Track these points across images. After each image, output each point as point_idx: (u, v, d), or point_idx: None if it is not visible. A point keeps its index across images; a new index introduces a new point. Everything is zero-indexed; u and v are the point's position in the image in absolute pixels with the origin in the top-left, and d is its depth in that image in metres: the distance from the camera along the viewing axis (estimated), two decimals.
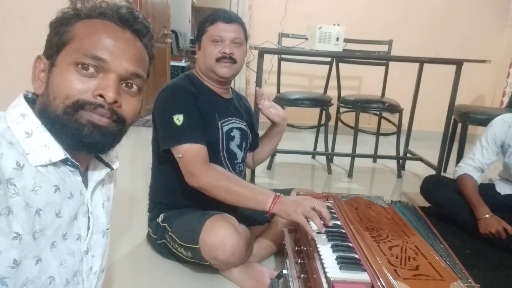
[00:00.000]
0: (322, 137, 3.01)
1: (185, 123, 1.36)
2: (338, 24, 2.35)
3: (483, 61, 2.35)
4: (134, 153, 2.90)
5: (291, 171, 2.87)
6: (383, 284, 0.94)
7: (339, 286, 0.94)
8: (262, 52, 2.27)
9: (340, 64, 3.21)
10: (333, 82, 3.27)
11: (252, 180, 2.43)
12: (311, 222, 1.20)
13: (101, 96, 0.67)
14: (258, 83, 2.34)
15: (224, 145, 1.53)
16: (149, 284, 1.42)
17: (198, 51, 1.53)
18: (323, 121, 3.04)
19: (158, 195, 1.56)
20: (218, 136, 1.50)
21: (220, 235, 1.28)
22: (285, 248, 1.47)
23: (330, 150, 3.02)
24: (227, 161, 1.54)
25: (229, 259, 1.31)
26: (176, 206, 1.51)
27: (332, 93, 3.19)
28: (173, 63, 5.97)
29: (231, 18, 1.47)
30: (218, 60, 1.45)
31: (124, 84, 0.72)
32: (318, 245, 1.14)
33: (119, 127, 0.72)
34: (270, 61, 3.38)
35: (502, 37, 4.03)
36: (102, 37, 0.69)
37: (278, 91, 3.15)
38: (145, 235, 1.66)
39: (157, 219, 1.54)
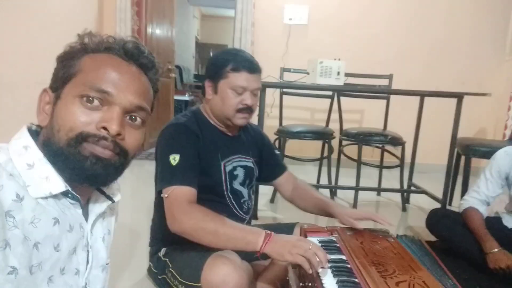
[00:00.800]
0: (325, 169, 3.00)
1: (179, 164, 1.33)
2: (339, 59, 2.40)
3: (484, 94, 2.37)
4: (136, 187, 2.88)
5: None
6: None
7: None
8: (265, 86, 2.31)
9: (342, 98, 3.25)
10: (334, 115, 3.30)
11: (255, 213, 2.40)
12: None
13: (104, 128, 0.68)
14: (261, 116, 2.37)
15: (228, 186, 1.49)
16: None
17: (211, 92, 1.45)
18: (325, 154, 3.04)
19: (160, 230, 1.53)
20: (220, 177, 1.47)
21: (222, 273, 1.24)
22: (289, 284, 1.43)
23: (333, 183, 3.00)
24: (233, 201, 1.51)
25: None
26: (178, 241, 1.46)
27: (334, 126, 3.21)
28: (176, 97, 6.06)
29: (255, 68, 1.40)
30: (239, 111, 1.41)
31: (128, 117, 0.72)
32: (323, 282, 1.11)
33: (121, 159, 0.71)
34: (272, 95, 3.42)
35: (501, 71, 4.09)
36: (107, 70, 0.70)
37: (280, 124, 3.17)
38: (146, 270, 1.62)
39: (159, 253, 1.51)
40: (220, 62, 1.42)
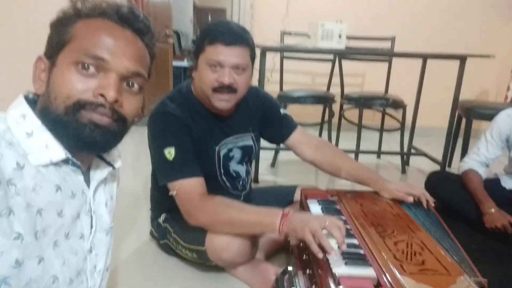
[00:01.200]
0: (325, 134, 3.00)
1: (176, 156, 1.28)
2: (341, 21, 2.34)
3: (487, 56, 2.33)
4: (136, 152, 2.90)
5: (295, 168, 2.86)
6: (389, 279, 0.94)
7: (345, 281, 0.93)
8: (265, 50, 2.27)
9: (343, 61, 3.20)
10: (336, 79, 3.26)
11: (256, 177, 2.43)
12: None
13: (102, 95, 0.67)
14: (261, 81, 2.34)
15: (222, 170, 1.46)
16: (154, 283, 1.42)
17: (194, 69, 1.36)
18: (326, 118, 3.03)
19: (157, 198, 1.54)
20: (214, 163, 1.43)
21: (226, 236, 1.26)
22: (290, 244, 1.47)
23: None
24: (228, 184, 1.49)
25: (235, 260, 1.30)
26: (176, 209, 1.38)
27: (335, 90, 3.18)
28: (175, 63, 5.96)
29: (233, 40, 1.25)
30: (215, 90, 1.30)
31: (125, 83, 0.71)
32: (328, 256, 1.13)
33: (120, 126, 0.71)
34: (272, 59, 3.37)
35: (506, 31, 4.00)
36: (102, 36, 0.69)
37: (281, 89, 3.15)
38: (149, 233, 1.66)
39: (158, 219, 1.53)
40: (201, 35, 1.31)
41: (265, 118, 1.60)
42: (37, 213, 0.63)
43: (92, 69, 0.67)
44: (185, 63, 6.81)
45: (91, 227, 0.77)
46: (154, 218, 1.56)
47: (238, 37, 1.28)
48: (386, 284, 0.93)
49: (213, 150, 1.43)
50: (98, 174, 0.79)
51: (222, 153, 1.45)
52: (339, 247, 1.06)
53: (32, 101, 0.72)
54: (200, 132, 1.38)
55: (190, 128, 1.35)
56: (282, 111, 1.62)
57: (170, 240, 1.46)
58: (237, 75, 1.30)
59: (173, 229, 1.43)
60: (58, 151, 0.68)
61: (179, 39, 7.69)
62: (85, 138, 0.67)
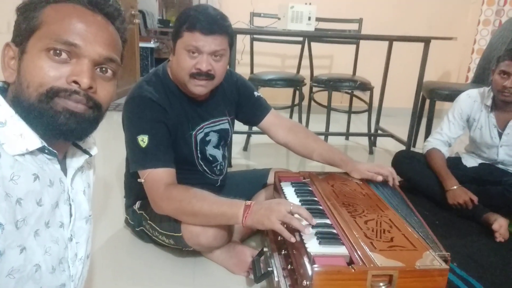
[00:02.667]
0: (296, 116, 3.05)
1: (149, 145, 1.27)
2: (310, 3, 2.35)
3: (450, 38, 2.42)
4: (106, 138, 2.84)
5: (267, 151, 2.90)
6: (361, 256, 0.99)
7: (319, 260, 0.98)
8: (235, 32, 2.25)
9: (312, 43, 3.23)
10: (305, 62, 3.29)
11: (229, 161, 2.44)
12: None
13: (75, 82, 0.66)
14: (232, 64, 2.33)
15: (199, 155, 1.47)
16: (131, 270, 1.43)
17: (171, 53, 1.35)
18: (296, 100, 3.07)
19: (132, 184, 1.52)
20: (191, 148, 1.44)
21: None
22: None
23: None
24: (205, 168, 1.50)
25: (212, 244, 1.32)
26: None
27: (304, 72, 3.22)
28: (141, 44, 5.81)
29: (211, 29, 1.25)
30: (192, 75, 1.29)
31: (98, 69, 0.70)
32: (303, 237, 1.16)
33: (95, 113, 0.71)
34: (242, 41, 3.35)
35: (466, 14, 4.13)
36: (73, 21, 0.67)
37: (252, 71, 3.14)
38: (123, 221, 1.65)
39: (134, 206, 1.53)
40: (180, 20, 1.30)
41: (240, 101, 1.61)
42: (17, 202, 0.63)
43: (64, 55, 0.66)
44: (151, 44, 6.64)
45: (70, 215, 0.76)
46: (129, 206, 1.55)
47: (217, 25, 1.27)
48: (358, 260, 0.98)
49: (190, 134, 1.43)
50: (75, 162, 0.79)
51: (199, 137, 1.46)
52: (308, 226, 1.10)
53: (2, 89, 0.70)
54: (177, 117, 1.38)
55: (167, 112, 1.35)
56: (256, 93, 1.64)
57: (146, 227, 1.46)
58: (215, 62, 1.30)
59: (149, 216, 1.43)
60: (33, 140, 0.67)
61: (145, 19, 7.47)
62: (60, 126, 0.67)
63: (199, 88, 1.32)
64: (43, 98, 0.65)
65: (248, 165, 2.60)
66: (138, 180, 1.31)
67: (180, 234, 1.31)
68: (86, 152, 0.81)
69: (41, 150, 0.69)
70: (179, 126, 1.39)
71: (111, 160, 2.41)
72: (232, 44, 1.37)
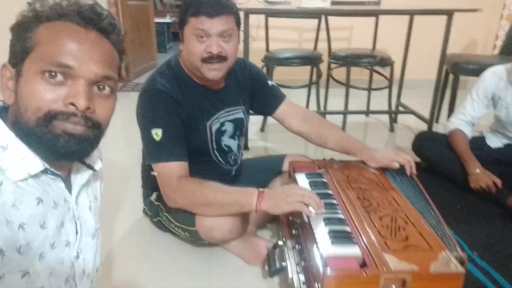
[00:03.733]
0: (314, 93, 2.98)
1: (163, 138, 1.28)
2: None
3: (474, 10, 2.28)
4: (125, 120, 2.85)
5: (284, 131, 2.84)
6: (373, 257, 0.98)
7: (331, 262, 0.97)
8: (248, 13, 2.19)
9: (330, 17, 3.10)
10: (323, 34, 3.18)
11: (245, 144, 2.43)
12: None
13: (72, 104, 0.65)
14: (245, 43, 2.28)
15: (215, 145, 1.46)
16: (149, 259, 1.46)
17: (181, 42, 1.34)
18: (314, 78, 2.99)
19: (149, 175, 1.53)
20: (206, 139, 1.43)
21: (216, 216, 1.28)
22: (280, 217, 1.51)
23: (322, 107, 3.00)
24: (220, 158, 1.50)
25: (227, 237, 1.34)
26: None
27: (322, 45, 3.11)
28: (157, 19, 5.75)
29: (216, 10, 1.23)
30: (204, 60, 1.28)
31: (95, 87, 0.69)
32: (310, 220, 1.16)
33: (95, 132, 0.70)
34: (257, 16, 3.26)
35: None
36: (66, 41, 0.65)
37: (267, 48, 3.07)
38: (141, 210, 1.68)
39: (150, 197, 1.55)
40: (183, 7, 1.29)
41: (254, 90, 1.59)
42: (19, 228, 0.63)
43: (59, 77, 0.65)
44: (167, 19, 6.57)
45: (76, 233, 0.77)
46: (146, 196, 1.58)
47: (221, 6, 1.26)
48: (371, 263, 0.96)
49: (205, 125, 1.43)
50: (79, 179, 0.78)
51: (214, 128, 1.46)
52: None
53: (3, 110, 0.70)
54: (191, 108, 1.38)
55: (180, 104, 1.35)
56: (270, 82, 1.61)
57: (163, 218, 1.48)
58: (225, 42, 1.29)
59: (165, 208, 1.45)
60: (35, 163, 0.67)
61: None
62: (61, 148, 0.66)
63: (214, 72, 1.31)
64: (42, 122, 0.64)
65: (265, 146, 2.58)
66: (152, 173, 1.32)
67: (195, 228, 1.33)
68: (90, 167, 0.81)
69: (44, 171, 0.69)
70: (193, 117, 1.39)
71: (131, 146, 2.42)
72: (239, 23, 1.35)
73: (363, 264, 0.97)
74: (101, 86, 0.69)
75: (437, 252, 1.00)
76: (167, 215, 1.44)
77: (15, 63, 0.67)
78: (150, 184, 1.56)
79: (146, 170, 1.56)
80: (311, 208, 1.12)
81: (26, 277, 0.64)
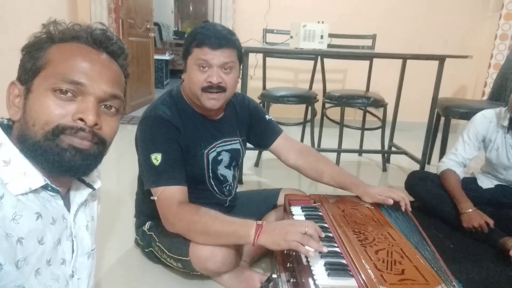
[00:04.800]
0: (308, 132, 3.03)
1: (162, 163, 1.30)
2: (322, 22, 2.35)
3: (465, 57, 2.38)
4: (119, 151, 2.87)
5: (278, 166, 2.85)
6: None
7: None
8: (247, 51, 2.27)
9: (325, 58, 3.22)
10: (318, 75, 3.28)
11: (239, 178, 2.44)
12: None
13: (81, 119, 0.68)
14: (244, 80, 2.34)
15: (211, 174, 1.48)
16: None
17: (184, 71, 1.40)
18: (309, 116, 3.05)
19: (143, 204, 1.54)
20: (203, 167, 1.45)
21: (210, 246, 1.27)
22: (274, 251, 1.49)
23: (316, 145, 3.04)
24: (215, 188, 1.51)
25: (220, 269, 1.32)
26: (160, 217, 1.38)
27: (317, 86, 3.21)
28: (157, 56, 5.90)
29: (220, 43, 1.29)
30: (204, 89, 1.33)
31: (103, 106, 0.72)
32: (311, 265, 1.14)
33: (100, 148, 0.72)
34: (255, 56, 3.37)
35: (483, 28, 4.08)
36: (78, 60, 0.69)
37: (264, 87, 3.15)
38: (133, 240, 1.66)
39: (143, 227, 1.53)
40: (189, 37, 1.35)
41: (252, 123, 1.62)
42: (17, 242, 0.63)
43: (70, 94, 0.68)
44: (166, 56, 6.73)
45: (73, 251, 0.77)
46: (139, 226, 1.56)
47: (225, 40, 1.31)
48: None
49: (202, 153, 1.44)
50: (78, 197, 0.79)
51: (211, 156, 1.47)
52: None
53: (6, 127, 0.72)
54: (190, 136, 1.40)
55: (180, 132, 1.37)
56: (267, 117, 1.65)
57: (155, 249, 1.46)
58: (225, 74, 1.34)
59: (158, 238, 1.44)
60: (36, 178, 0.68)
61: (160, 31, 7.60)
62: (66, 162, 0.68)
63: (212, 101, 1.35)
64: (49, 135, 0.66)
65: (259, 181, 2.59)
66: (151, 198, 1.32)
67: (188, 258, 1.31)
68: (89, 186, 0.82)
69: (44, 187, 0.70)
70: (191, 145, 1.41)
71: (124, 176, 2.43)
72: (241, 58, 1.41)
73: None
74: (108, 105, 0.72)
75: (433, 286, 0.99)
76: (159, 245, 1.42)
77: (24, 81, 0.69)
78: (144, 213, 1.55)
79: (141, 199, 1.56)
80: (308, 248, 1.10)
81: None
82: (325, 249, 1.11)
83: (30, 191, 0.67)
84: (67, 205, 0.77)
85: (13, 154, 0.67)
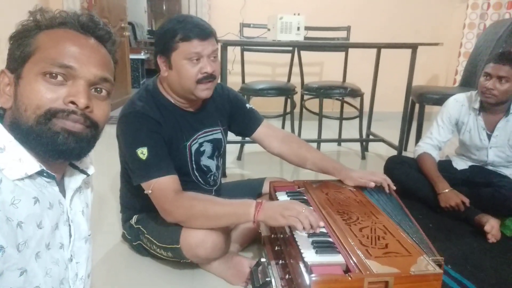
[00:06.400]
0: (288, 124, 3.08)
1: (149, 156, 1.30)
2: (299, 14, 2.39)
3: (436, 44, 2.47)
4: (99, 152, 2.83)
5: (260, 159, 2.92)
6: (357, 263, 1.02)
7: (316, 269, 0.99)
8: (226, 44, 2.29)
9: (302, 52, 3.27)
10: (295, 69, 3.33)
11: (223, 171, 2.46)
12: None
13: (72, 102, 0.68)
14: (223, 74, 2.36)
15: (194, 165, 1.49)
16: (129, 285, 1.43)
17: (166, 68, 1.37)
18: (288, 109, 3.10)
19: (128, 199, 1.55)
20: (186, 159, 1.46)
21: (200, 233, 1.29)
22: (262, 235, 1.53)
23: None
24: (200, 178, 1.52)
25: (211, 255, 1.34)
26: (149, 209, 1.40)
27: (295, 79, 3.25)
28: (132, 56, 5.83)
29: (207, 34, 1.32)
30: (199, 81, 1.34)
31: (93, 90, 0.73)
32: (293, 232, 1.19)
33: (92, 132, 0.73)
34: (233, 51, 3.38)
35: (451, 18, 4.22)
36: (67, 45, 0.70)
37: (243, 81, 3.17)
38: (120, 235, 1.66)
39: (130, 221, 1.54)
40: (168, 33, 1.33)
41: (232, 112, 1.64)
42: (17, 226, 0.64)
43: (60, 78, 0.68)
44: (142, 55, 6.66)
45: (70, 236, 0.78)
46: (126, 220, 1.56)
47: (208, 30, 1.35)
48: (354, 268, 1.00)
49: (185, 146, 1.45)
50: (73, 183, 0.80)
51: (193, 148, 1.48)
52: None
53: None
54: (171, 129, 1.41)
55: (161, 125, 1.38)
56: (247, 105, 1.67)
57: (144, 241, 1.47)
58: (213, 62, 1.37)
59: (146, 230, 1.44)
60: (32, 164, 0.68)
61: (134, 31, 7.51)
62: (60, 146, 0.68)
63: (206, 91, 1.38)
64: (42, 119, 0.67)
65: (242, 174, 2.62)
66: (145, 192, 1.32)
67: (179, 246, 1.32)
68: (83, 172, 0.83)
69: (40, 173, 0.70)
70: (173, 138, 1.42)
71: (105, 174, 2.41)
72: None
73: (347, 270, 1.01)
74: (98, 89, 0.73)
75: (416, 256, 1.05)
76: (148, 237, 1.43)
77: (14, 68, 0.70)
78: (130, 207, 1.55)
79: (126, 194, 1.56)
80: (299, 226, 1.14)
81: (24, 275, 0.65)
82: (322, 224, 1.17)
83: (26, 177, 0.67)
84: (62, 191, 0.77)
85: (7, 141, 0.67)
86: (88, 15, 0.75)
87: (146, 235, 1.44)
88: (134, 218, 1.53)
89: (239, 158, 2.87)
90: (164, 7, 12.27)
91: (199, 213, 1.27)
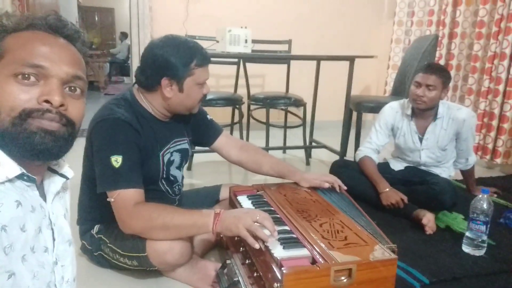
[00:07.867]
0: (236, 133, 3.15)
1: (123, 165, 1.29)
2: (246, 27, 2.50)
3: (371, 57, 2.70)
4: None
5: (210, 169, 2.96)
6: (322, 255, 1.11)
7: (286, 263, 1.07)
8: None
9: (247, 64, 3.38)
10: (240, 81, 3.43)
11: None
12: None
13: (46, 101, 0.68)
14: None
15: (164, 175, 1.52)
16: None
17: (171, 90, 1.40)
18: (236, 118, 3.18)
19: (89, 209, 1.52)
20: (158, 168, 1.48)
21: (167, 240, 1.31)
22: (224, 239, 1.57)
23: None
24: (166, 187, 1.55)
25: (179, 261, 1.35)
26: (110, 219, 1.38)
27: (239, 91, 3.35)
28: None
29: (209, 60, 1.47)
30: (199, 101, 1.50)
31: (67, 89, 0.73)
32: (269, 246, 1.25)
33: (69, 130, 0.73)
34: None
35: (380, 33, 4.59)
36: (36, 45, 0.70)
37: None
38: (79, 248, 1.61)
39: (91, 231, 1.50)
40: (185, 59, 1.37)
41: (194, 123, 1.69)
42: (2, 229, 0.63)
43: (32, 78, 0.68)
44: None
45: (53, 239, 0.77)
46: (85, 231, 1.52)
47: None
48: (320, 260, 1.09)
49: (158, 155, 1.48)
50: (53, 187, 0.79)
51: (166, 158, 1.51)
52: (271, 236, 1.18)
53: None
54: (148, 138, 1.43)
55: (139, 134, 1.38)
56: (208, 117, 1.74)
57: (106, 251, 1.44)
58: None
59: (109, 239, 1.42)
60: (12, 167, 0.68)
61: None
62: (37, 145, 0.68)
63: (198, 107, 1.54)
64: (17, 121, 0.67)
65: (193, 184, 2.63)
66: (107, 199, 1.30)
67: (145, 253, 1.33)
68: (62, 176, 0.83)
69: (19, 177, 0.70)
70: (149, 147, 1.44)
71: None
72: None
73: (314, 262, 1.09)
74: (72, 88, 0.74)
75: (372, 246, 1.16)
76: (111, 246, 1.42)
77: None
78: (91, 217, 1.52)
79: (87, 204, 1.52)
80: (249, 240, 1.18)
81: (12, 278, 0.64)
82: (276, 235, 1.19)
83: (7, 180, 0.67)
84: (42, 195, 0.77)
85: None
86: (55, 16, 0.75)
87: (108, 244, 1.42)
88: (96, 228, 1.50)
89: (189, 168, 2.88)
90: (96, 18, 11.87)
91: (158, 225, 1.27)
